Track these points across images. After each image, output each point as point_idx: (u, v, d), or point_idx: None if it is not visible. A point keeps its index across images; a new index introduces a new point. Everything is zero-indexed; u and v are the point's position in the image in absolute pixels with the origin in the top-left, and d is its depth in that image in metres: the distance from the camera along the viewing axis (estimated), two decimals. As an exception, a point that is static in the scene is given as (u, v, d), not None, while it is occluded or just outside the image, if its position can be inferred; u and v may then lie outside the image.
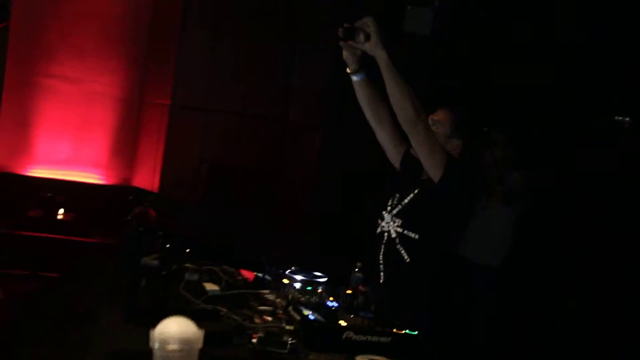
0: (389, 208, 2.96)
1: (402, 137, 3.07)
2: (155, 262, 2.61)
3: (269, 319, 2.41)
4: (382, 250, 2.94)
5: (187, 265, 2.83)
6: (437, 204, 2.81)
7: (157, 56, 6.51)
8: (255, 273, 2.89)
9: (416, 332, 2.39)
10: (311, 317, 2.37)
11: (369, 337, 2.31)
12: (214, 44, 6.10)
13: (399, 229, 2.85)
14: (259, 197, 6.18)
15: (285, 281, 2.81)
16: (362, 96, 3.02)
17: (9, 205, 6.00)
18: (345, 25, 2.77)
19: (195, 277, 2.77)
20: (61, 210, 6.11)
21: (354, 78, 2.98)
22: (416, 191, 2.92)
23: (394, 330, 2.37)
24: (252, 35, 6.14)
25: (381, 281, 2.95)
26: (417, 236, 2.81)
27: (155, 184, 6.11)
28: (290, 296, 2.65)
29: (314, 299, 2.65)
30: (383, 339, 2.32)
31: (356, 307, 2.60)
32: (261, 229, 5.88)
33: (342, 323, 2.35)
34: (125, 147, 6.73)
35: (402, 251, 2.83)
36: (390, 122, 3.06)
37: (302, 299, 2.64)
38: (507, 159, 4.47)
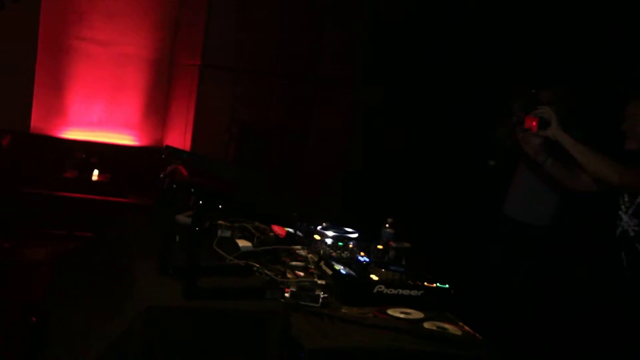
0: (623, 208, 2.93)
1: None
2: (189, 219, 2.66)
3: (301, 274, 2.45)
4: (624, 248, 2.93)
5: (219, 222, 2.88)
6: None
7: (187, 17, 6.50)
8: (287, 229, 2.92)
9: (447, 285, 2.41)
10: (343, 271, 2.40)
11: (400, 291, 2.34)
12: (243, 4, 6.08)
13: (636, 228, 2.84)
14: (289, 155, 6.21)
15: (317, 237, 2.84)
16: (562, 174, 3.05)
17: (45, 167, 6.11)
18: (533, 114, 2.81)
19: (227, 233, 2.81)
20: (96, 172, 6.20)
21: (548, 164, 3.00)
22: None
23: (425, 283, 2.40)
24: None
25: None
26: None
27: (187, 144, 6.17)
28: (321, 251, 2.68)
29: (345, 254, 2.68)
30: (414, 292, 2.35)
31: (387, 261, 2.62)
32: (291, 185, 5.91)
33: (374, 277, 2.39)
34: (157, 108, 6.78)
35: None
36: None
37: (334, 254, 2.67)
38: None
